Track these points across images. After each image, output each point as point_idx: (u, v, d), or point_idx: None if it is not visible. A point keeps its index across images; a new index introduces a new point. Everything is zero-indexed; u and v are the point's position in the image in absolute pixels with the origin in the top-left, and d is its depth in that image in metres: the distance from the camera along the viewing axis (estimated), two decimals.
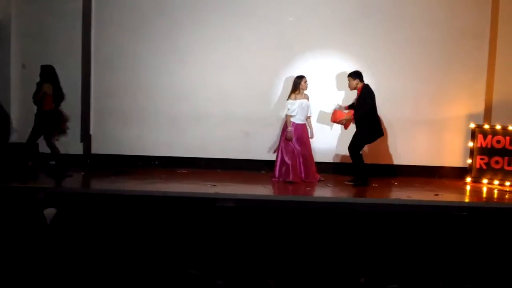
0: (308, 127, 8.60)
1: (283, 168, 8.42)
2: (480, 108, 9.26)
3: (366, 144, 8.50)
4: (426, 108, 9.27)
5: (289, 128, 8.41)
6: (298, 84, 8.46)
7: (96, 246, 4.82)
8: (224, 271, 4.25)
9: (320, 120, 9.18)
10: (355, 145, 8.29)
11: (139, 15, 9.33)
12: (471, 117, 9.19)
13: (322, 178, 8.60)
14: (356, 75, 8.35)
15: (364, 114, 8.19)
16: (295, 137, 8.43)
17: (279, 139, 8.68)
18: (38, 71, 8.91)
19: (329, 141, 9.27)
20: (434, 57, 9.22)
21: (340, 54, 9.20)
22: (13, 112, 9.24)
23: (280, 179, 8.42)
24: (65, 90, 9.15)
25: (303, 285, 4.06)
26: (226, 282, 3.86)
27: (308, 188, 8.06)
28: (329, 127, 9.18)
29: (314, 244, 5.85)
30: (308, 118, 8.61)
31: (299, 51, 9.29)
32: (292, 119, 8.43)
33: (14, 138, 9.24)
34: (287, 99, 8.47)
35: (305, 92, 8.54)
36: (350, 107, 8.56)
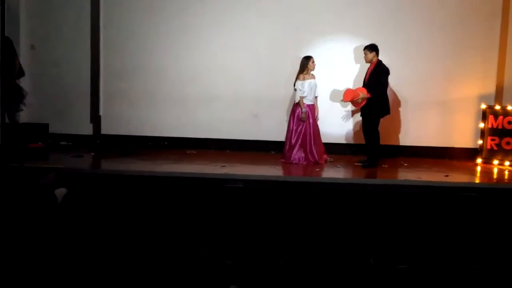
0: (315, 107, 8.57)
1: (293, 149, 8.41)
2: (491, 89, 9.18)
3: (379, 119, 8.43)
4: (437, 89, 9.19)
5: (303, 109, 8.37)
6: (305, 65, 8.42)
7: (106, 225, 4.85)
8: (233, 251, 4.27)
9: (331, 100, 9.14)
10: (373, 122, 8.25)
11: None
12: (482, 98, 9.11)
13: (331, 159, 8.59)
14: (372, 48, 8.29)
15: (382, 91, 8.15)
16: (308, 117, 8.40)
17: (288, 120, 8.64)
18: (47, 51, 8.96)
19: (338, 122, 9.24)
20: (445, 37, 9.12)
21: (350, 34, 9.12)
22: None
23: (289, 160, 8.41)
24: (74, 71, 9.20)
25: (313, 266, 4.07)
26: (236, 262, 3.87)
27: (317, 169, 8.05)
28: (337, 107, 9.14)
29: (324, 225, 5.86)
30: (315, 98, 8.57)
31: (309, 32, 9.21)
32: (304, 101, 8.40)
33: (24, 118, 9.25)
34: (296, 80, 8.43)
35: (312, 72, 8.49)
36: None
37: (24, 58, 9.17)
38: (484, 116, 8.90)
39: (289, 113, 8.70)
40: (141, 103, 9.39)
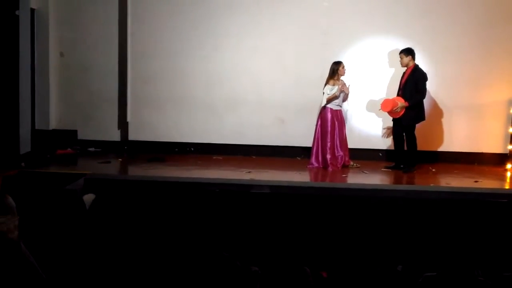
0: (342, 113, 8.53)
1: (319, 155, 8.38)
2: None
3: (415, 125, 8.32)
4: (466, 93, 9.08)
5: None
6: (336, 70, 8.32)
7: (134, 231, 4.88)
8: (260, 257, 4.26)
9: (359, 104, 9.12)
10: (410, 128, 8.17)
11: (176, 2, 9.36)
12: (511, 103, 8.97)
13: (358, 165, 8.51)
14: (408, 51, 8.14)
15: (421, 100, 8.05)
16: (330, 122, 8.32)
17: (315, 126, 8.59)
18: (75, 58, 9.09)
19: (365, 127, 9.21)
20: (474, 41, 9.00)
21: (376, 38, 9.07)
22: (52, 99, 9.38)
23: (316, 165, 8.37)
24: (102, 77, 9.31)
25: (340, 272, 4.04)
26: (262, 268, 3.86)
27: (344, 175, 8.00)
28: (364, 112, 9.14)
29: (351, 232, 5.82)
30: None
31: (335, 36, 9.19)
32: (329, 105, 8.33)
33: (53, 125, 9.40)
34: (325, 85, 8.37)
35: (342, 78, 8.43)
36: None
37: (53, 65, 9.32)
38: None
39: (317, 119, 8.63)
40: (168, 108, 9.46)
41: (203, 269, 3.60)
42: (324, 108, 8.37)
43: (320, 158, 8.41)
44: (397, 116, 8.15)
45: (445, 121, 9.10)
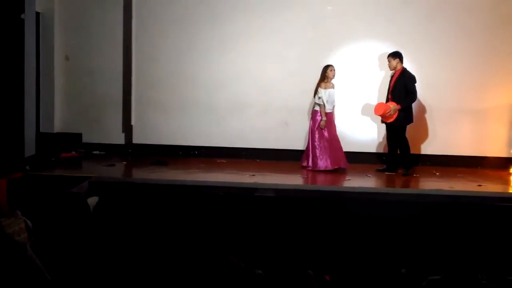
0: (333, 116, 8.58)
1: (313, 157, 8.43)
2: None
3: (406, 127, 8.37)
4: (469, 97, 9.07)
5: (323, 118, 8.37)
6: (324, 73, 8.42)
7: (137, 234, 4.90)
8: (263, 260, 4.27)
9: (363, 108, 9.14)
10: (401, 131, 8.22)
11: (180, 5, 9.38)
12: None
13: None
14: (395, 55, 8.25)
15: (412, 100, 8.12)
16: (326, 125, 8.42)
17: (308, 128, 8.67)
18: (80, 62, 9.12)
19: (363, 130, 9.24)
20: (477, 44, 9.01)
21: (380, 42, 9.07)
22: (57, 102, 9.42)
23: (310, 167, 8.41)
24: (107, 81, 9.35)
25: (343, 275, 4.05)
26: (266, 271, 3.87)
27: (348, 179, 8.01)
28: (365, 116, 9.17)
29: (355, 235, 5.83)
30: (333, 107, 8.56)
31: (338, 40, 9.20)
32: (321, 108, 8.42)
33: (58, 128, 9.43)
34: (317, 88, 8.44)
35: (333, 81, 8.48)
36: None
37: (58, 68, 9.36)
38: None
39: (309, 121, 8.70)
40: (173, 112, 9.48)
41: (207, 271, 3.61)
42: (315, 111, 8.47)
43: (310, 159, 8.46)
44: (391, 120, 8.20)
45: (448, 124, 9.09)
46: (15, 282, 3.39)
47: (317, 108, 8.47)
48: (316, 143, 8.43)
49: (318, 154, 8.39)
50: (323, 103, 8.35)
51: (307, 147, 8.57)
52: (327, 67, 8.45)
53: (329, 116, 8.47)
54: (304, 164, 8.56)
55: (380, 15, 9.09)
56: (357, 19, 9.14)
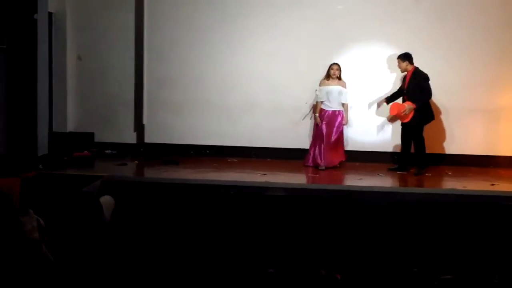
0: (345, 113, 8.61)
1: (310, 153, 8.55)
2: None
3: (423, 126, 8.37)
4: (481, 96, 9.01)
5: (316, 114, 8.55)
6: (328, 71, 8.54)
7: (150, 232, 4.92)
8: (275, 259, 4.27)
9: (370, 107, 9.12)
10: (418, 130, 8.20)
11: (191, 6, 9.40)
12: None
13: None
14: (405, 57, 8.24)
15: (427, 99, 8.09)
16: (324, 122, 8.47)
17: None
18: (93, 61, 9.17)
19: (376, 130, 9.21)
20: (490, 43, 8.95)
21: (391, 42, 9.02)
22: (69, 102, 9.46)
23: (308, 163, 8.52)
24: (119, 80, 9.40)
25: (355, 275, 4.04)
26: (278, 270, 3.88)
27: (359, 178, 7.98)
28: (376, 115, 9.12)
29: (366, 234, 5.82)
30: (343, 105, 8.59)
31: (349, 40, 9.17)
32: (322, 105, 8.55)
33: (70, 127, 9.48)
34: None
35: (343, 79, 8.58)
36: (391, 97, 8.42)
37: (70, 68, 9.41)
38: None
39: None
40: (184, 111, 9.49)
41: (219, 270, 3.62)
42: (320, 109, 8.59)
43: (311, 156, 8.54)
44: (406, 120, 8.18)
45: (461, 124, 9.04)
46: (30, 278, 3.43)
47: (322, 106, 8.58)
48: (314, 140, 8.57)
49: (316, 151, 8.47)
50: (319, 100, 8.52)
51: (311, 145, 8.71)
52: (330, 65, 8.57)
53: (331, 114, 8.51)
54: (307, 163, 8.58)
55: (391, 15, 9.05)
56: (368, 18, 9.09)
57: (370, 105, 9.12)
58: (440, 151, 9.09)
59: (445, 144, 9.08)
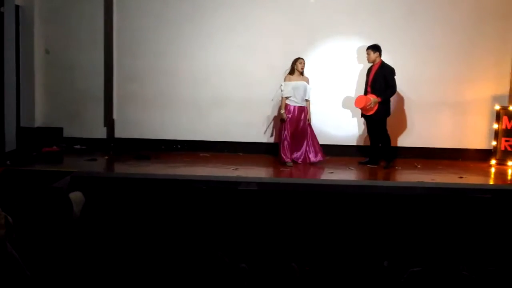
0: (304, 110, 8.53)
1: (282, 149, 8.42)
2: (505, 89, 9.11)
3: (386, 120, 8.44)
4: (450, 90, 9.16)
5: (282, 110, 8.45)
6: (292, 66, 8.47)
7: (119, 228, 4.89)
8: (247, 254, 4.28)
9: (344, 102, 9.18)
10: (382, 124, 8.27)
11: (160, 0, 9.33)
12: (496, 99, 9.06)
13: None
14: (375, 48, 8.28)
15: (393, 93, 8.17)
16: (289, 118, 8.41)
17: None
18: (61, 55, 9.03)
19: (345, 124, 9.28)
20: (459, 38, 9.08)
21: (362, 35, 9.07)
22: (37, 96, 9.32)
23: (285, 159, 8.40)
24: (88, 75, 9.28)
25: (326, 268, 4.08)
26: (250, 265, 3.88)
27: (330, 172, 8.04)
28: (347, 110, 9.21)
29: (337, 228, 5.86)
30: (306, 101, 8.52)
31: (321, 34, 9.22)
32: (287, 101, 8.46)
33: (39, 122, 9.35)
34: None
35: (305, 74, 8.53)
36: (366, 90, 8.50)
37: (38, 62, 9.26)
38: (498, 117, 8.85)
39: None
40: (154, 106, 9.43)
41: (191, 265, 3.61)
42: (286, 104, 8.49)
43: (284, 152, 8.42)
44: (371, 113, 8.25)
45: (429, 117, 9.17)
46: None
47: (287, 101, 8.49)
48: (283, 136, 8.44)
49: (285, 147, 8.38)
50: (285, 95, 8.43)
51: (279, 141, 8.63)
52: (296, 59, 8.49)
53: (296, 110, 8.45)
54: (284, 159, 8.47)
55: (362, 8, 9.11)
56: (339, 12, 9.14)
57: (338, 98, 9.18)
58: (409, 145, 9.20)
59: (414, 138, 9.20)
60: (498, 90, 9.09)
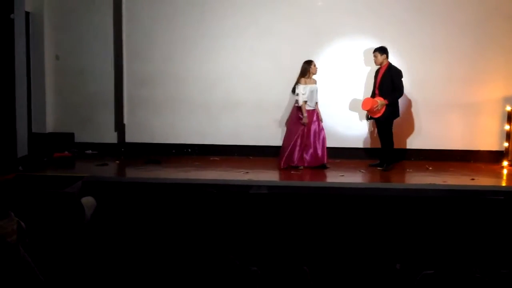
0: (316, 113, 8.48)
1: (289, 153, 8.33)
2: None
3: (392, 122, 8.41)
4: (461, 91, 9.10)
5: (304, 114, 8.27)
6: (307, 69, 8.35)
7: (132, 232, 4.90)
8: (258, 257, 4.27)
9: (352, 103, 9.16)
10: (387, 126, 8.24)
11: (170, 4, 9.35)
12: (507, 100, 8.98)
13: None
14: (382, 50, 8.26)
15: (399, 97, 8.15)
16: (309, 122, 8.36)
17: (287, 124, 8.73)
18: (71, 61, 9.08)
19: (354, 126, 9.25)
20: (468, 38, 9.03)
21: (370, 37, 9.05)
22: (48, 102, 9.38)
23: (286, 164, 8.32)
24: (98, 80, 9.33)
25: (339, 271, 4.06)
26: (261, 268, 3.88)
27: (341, 175, 8.01)
28: (351, 112, 9.19)
29: (349, 231, 5.84)
30: (316, 104, 8.46)
31: (329, 37, 9.20)
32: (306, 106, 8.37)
33: (50, 128, 9.40)
34: (296, 84, 8.38)
35: (314, 77, 8.46)
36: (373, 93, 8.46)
37: (48, 68, 9.32)
38: (509, 118, 8.78)
39: (290, 117, 8.70)
40: (165, 110, 9.45)
41: (202, 269, 3.61)
42: (298, 108, 8.37)
43: (289, 156, 8.33)
44: (378, 115, 8.23)
45: (440, 119, 9.12)
46: (7, 282, 3.38)
47: (297, 104, 8.38)
48: (289, 140, 8.36)
49: (297, 151, 8.31)
50: (304, 99, 8.27)
51: (287, 145, 8.44)
52: (310, 62, 8.40)
53: (312, 113, 8.39)
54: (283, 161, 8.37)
55: (371, 10, 9.09)
56: (347, 14, 9.13)
57: (346, 100, 9.15)
58: (419, 147, 9.16)
59: (424, 139, 9.15)
60: (508, 91, 9.02)
